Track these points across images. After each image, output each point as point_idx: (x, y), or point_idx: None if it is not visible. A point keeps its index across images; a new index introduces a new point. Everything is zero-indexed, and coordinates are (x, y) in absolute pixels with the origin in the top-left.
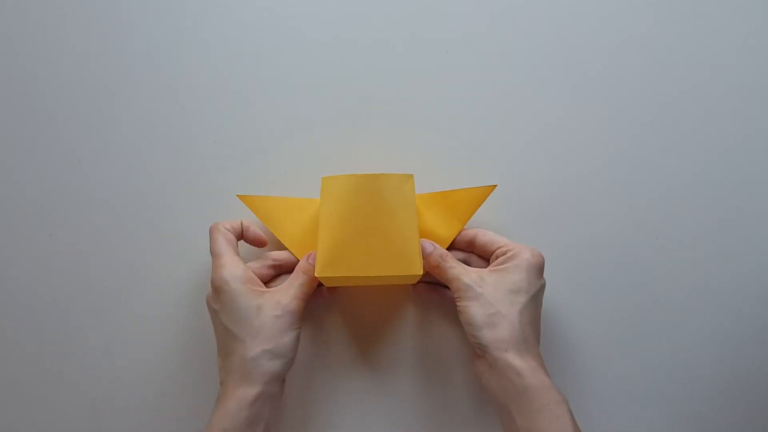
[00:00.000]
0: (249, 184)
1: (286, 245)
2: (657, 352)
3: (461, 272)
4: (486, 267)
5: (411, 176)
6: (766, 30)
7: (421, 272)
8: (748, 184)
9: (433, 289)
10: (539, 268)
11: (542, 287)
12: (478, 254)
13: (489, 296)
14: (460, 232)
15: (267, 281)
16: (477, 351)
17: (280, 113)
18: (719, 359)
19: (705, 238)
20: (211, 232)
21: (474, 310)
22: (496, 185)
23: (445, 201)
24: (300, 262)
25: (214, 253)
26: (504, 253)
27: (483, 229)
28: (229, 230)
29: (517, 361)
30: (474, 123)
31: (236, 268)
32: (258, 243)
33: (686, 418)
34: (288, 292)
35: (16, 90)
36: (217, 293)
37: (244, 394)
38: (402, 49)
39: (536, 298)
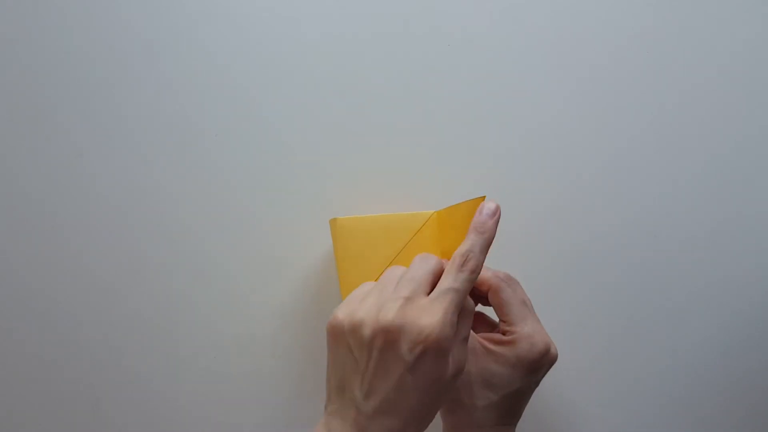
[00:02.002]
0: (250, 178)
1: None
2: (657, 352)
3: None
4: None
5: (430, 213)
6: (767, 30)
7: None
8: (748, 184)
9: None
10: (530, 367)
11: (529, 385)
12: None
13: (459, 380)
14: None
15: None
16: None
17: (280, 108)
18: (719, 359)
19: (705, 238)
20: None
21: None
22: (484, 196)
23: (449, 217)
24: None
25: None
26: (504, 332)
27: (506, 281)
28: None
29: None
30: (474, 121)
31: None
32: None
33: (686, 418)
34: (462, 348)
35: (17, 83)
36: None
37: None
38: (402, 46)
39: (515, 395)
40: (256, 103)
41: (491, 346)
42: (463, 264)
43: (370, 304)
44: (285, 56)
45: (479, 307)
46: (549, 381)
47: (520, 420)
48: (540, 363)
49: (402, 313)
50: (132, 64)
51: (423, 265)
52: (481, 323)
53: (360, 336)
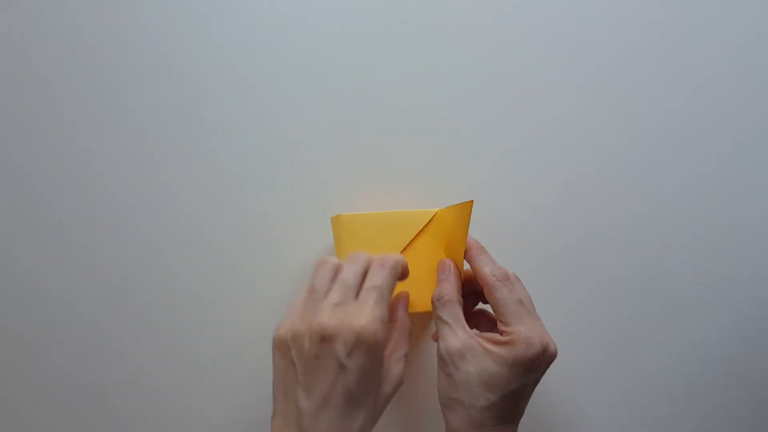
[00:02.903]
0: (256, 174)
1: None
2: (657, 351)
3: (447, 334)
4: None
5: (433, 212)
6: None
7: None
8: (748, 184)
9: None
10: (528, 366)
11: (528, 383)
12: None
13: (458, 380)
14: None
15: None
16: None
17: (286, 104)
18: (720, 359)
19: (705, 238)
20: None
21: (441, 383)
22: (472, 201)
23: (448, 216)
24: (401, 320)
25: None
26: (501, 332)
27: (501, 280)
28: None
29: None
30: (475, 121)
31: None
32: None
33: (687, 416)
34: (400, 363)
35: (23, 79)
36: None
37: None
38: (405, 43)
39: (515, 395)
40: (260, 100)
41: (489, 346)
42: (382, 263)
43: (307, 315)
44: (291, 53)
45: (481, 305)
46: (549, 381)
47: (522, 418)
48: (538, 362)
49: (335, 319)
50: (139, 60)
51: (351, 267)
52: (484, 320)
53: (300, 346)
